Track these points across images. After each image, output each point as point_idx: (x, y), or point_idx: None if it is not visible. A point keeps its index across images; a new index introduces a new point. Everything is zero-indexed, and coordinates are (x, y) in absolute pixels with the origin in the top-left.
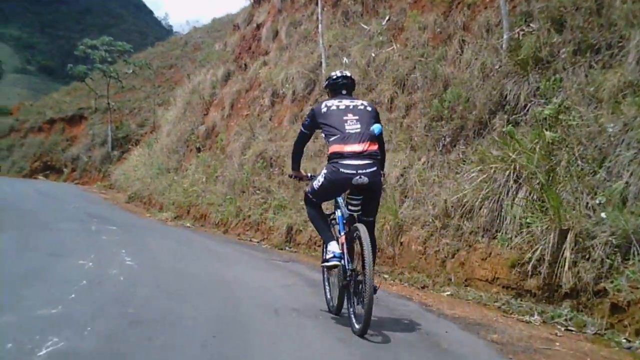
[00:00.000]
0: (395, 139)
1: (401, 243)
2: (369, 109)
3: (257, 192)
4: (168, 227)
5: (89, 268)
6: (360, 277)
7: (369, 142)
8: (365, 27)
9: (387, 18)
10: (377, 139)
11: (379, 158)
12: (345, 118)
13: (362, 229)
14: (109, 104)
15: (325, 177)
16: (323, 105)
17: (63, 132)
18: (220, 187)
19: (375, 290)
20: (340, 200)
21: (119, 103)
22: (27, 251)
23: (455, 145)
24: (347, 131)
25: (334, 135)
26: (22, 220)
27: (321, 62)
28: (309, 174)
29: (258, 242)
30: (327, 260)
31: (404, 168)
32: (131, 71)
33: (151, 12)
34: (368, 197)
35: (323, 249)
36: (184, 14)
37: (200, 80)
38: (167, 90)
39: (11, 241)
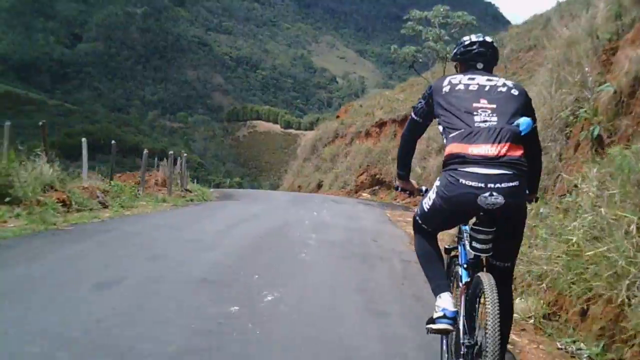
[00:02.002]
0: None
1: None
2: (515, 92)
3: None
4: None
5: None
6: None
7: (508, 144)
8: None
9: None
10: (524, 140)
11: (524, 169)
12: (475, 105)
13: (487, 281)
14: None
15: (437, 193)
16: (446, 81)
17: (394, 137)
18: None
19: None
20: (466, 229)
21: None
22: None
23: None
24: (475, 124)
25: (456, 128)
26: None
27: None
28: (423, 187)
29: None
30: (434, 321)
31: None
32: None
33: (508, 22)
34: (504, 228)
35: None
36: None
37: (587, 20)
38: (525, 77)
39: None
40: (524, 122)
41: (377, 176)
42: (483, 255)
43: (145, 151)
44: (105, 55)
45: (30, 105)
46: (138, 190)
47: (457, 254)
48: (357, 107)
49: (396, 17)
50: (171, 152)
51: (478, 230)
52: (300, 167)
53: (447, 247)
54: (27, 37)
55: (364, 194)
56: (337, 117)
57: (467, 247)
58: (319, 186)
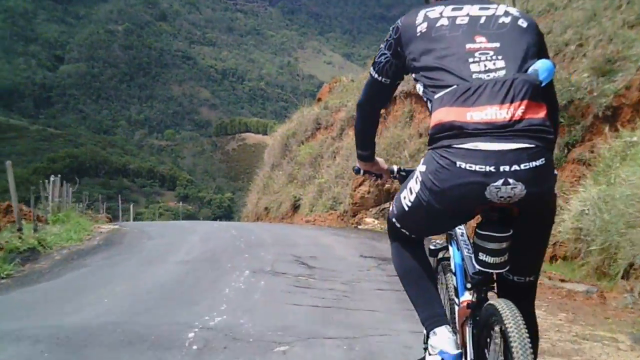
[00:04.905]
0: None
1: None
2: (524, 23)
3: None
4: None
5: None
6: None
7: (526, 101)
8: None
9: None
10: (545, 93)
11: (550, 137)
12: (470, 46)
13: (508, 311)
14: None
15: (423, 184)
16: (420, 16)
17: (411, 119)
18: None
19: None
20: (460, 231)
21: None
22: None
23: None
24: (474, 76)
25: (444, 85)
26: None
27: None
28: (394, 167)
29: None
30: None
31: None
32: None
33: None
34: (525, 230)
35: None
36: None
37: None
38: None
39: None
40: (544, 66)
41: (388, 185)
42: (492, 271)
43: None
44: (88, 75)
45: (11, 132)
46: None
47: (448, 256)
48: (347, 83)
49: (381, 18)
50: None
51: (486, 237)
52: (267, 178)
53: (432, 247)
54: (7, 62)
55: (368, 219)
56: (318, 100)
57: (465, 251)
58: (295, 207)
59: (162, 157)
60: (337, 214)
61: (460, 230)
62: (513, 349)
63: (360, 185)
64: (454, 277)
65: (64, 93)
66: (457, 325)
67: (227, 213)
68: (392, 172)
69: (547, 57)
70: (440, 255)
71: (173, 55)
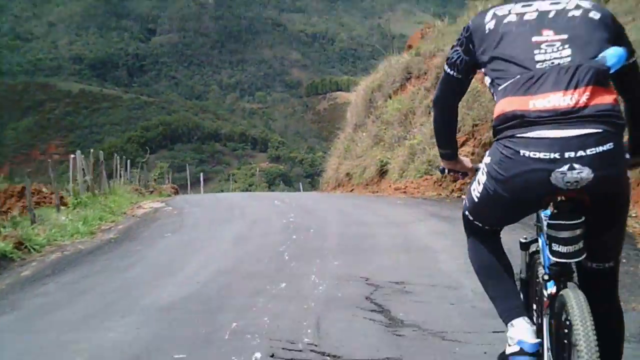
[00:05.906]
0: None
1: None
2: (596, 15)
3: None
4: None
5: None
6: None
7: (591, 87)
8: None
9: None
10: (614, 79)
11: (619, 122)
12: (536, 39)
13: (576, 304)
14: None
15: (489, 174)
16: (489, 15)
17: None
18: None
19: None
20: (546, 215)
21: None
22: None
23: None
24: (538, 65)
25: (508, 75)
26: None
27: None
28: (480, 165)
29: None
30: (507, 358)
31: None
32: None
33: None
34: (597, 215)
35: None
36: None
37: None
38: None
39: None
40: (612, 53)
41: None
42: (569, 260)
43: None
44: (180, 44)
45: (105, 102)
46: None
47: (537, 248)
48: (443, 27)
49: None
50: None
51: (558, 226)
52: (349, 141)
53: (522, 240)
54: (100, 37)
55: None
56: (408, 47)
57: (546, 251)
58: (382, 173)
59: (254, 120)
60: (432, 179)
61: (546, 219)
62: (577, 343)
63: (462, 145)
64: (541, 271)
65: (156, 61)
66: (542, 318)
67: (318, 171)
68: (477, 169)
69: (622, 42)
70: (532, 248)
71: (263, 23)
